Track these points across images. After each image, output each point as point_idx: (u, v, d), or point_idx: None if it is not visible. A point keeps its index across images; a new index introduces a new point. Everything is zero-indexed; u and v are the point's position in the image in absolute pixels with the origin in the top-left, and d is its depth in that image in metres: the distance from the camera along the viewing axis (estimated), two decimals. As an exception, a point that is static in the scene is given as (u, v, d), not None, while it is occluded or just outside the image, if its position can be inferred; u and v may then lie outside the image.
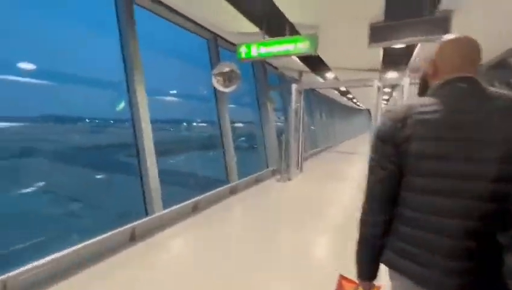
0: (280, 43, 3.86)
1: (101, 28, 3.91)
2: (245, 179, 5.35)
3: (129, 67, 3.49)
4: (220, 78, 5.07)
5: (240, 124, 8.18)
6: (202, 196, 4.01)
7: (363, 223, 0.92)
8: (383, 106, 6.51)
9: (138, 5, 3.66)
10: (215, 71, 4.97)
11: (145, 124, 3.47)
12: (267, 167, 6.63)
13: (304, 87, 6.84)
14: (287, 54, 3.88)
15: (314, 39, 3.63)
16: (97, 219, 3.27)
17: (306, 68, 6.85)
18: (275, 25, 3.92)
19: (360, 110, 26.69)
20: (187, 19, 4.33)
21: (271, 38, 4.02)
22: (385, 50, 5.03)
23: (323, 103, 13.45)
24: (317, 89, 11.22)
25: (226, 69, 5.07)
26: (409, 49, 5.01)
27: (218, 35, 5.04)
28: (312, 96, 11.31)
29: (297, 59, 5.90)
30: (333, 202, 4.73)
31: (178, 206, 3.60)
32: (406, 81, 4.89)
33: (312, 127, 11.57)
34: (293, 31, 4.06)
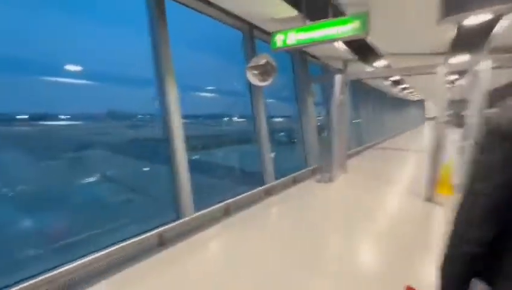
0: (322, 26, 3.33)
1: (138, 26, 3.85)
2: (282, 179, 4.97)
3: (159, 64, 3.37)
4: (256, 72, 4.74)
5: (279, 119, 7.81)
6: (235, 198, 3.76)
7: (460, 239, 0.76)
8: (448, 95, 5.43)
9: (169, -3, 3.49)
10: (250, 64, 4.66)
11: (176, 123, 3.33)
12: (306, 166, 6.14)
13: (350, 78, 6.11)
14: (330, 39, 3.33)
15: (364, 18, 3.02)
16: (150, 207, 3.46)
17: (352, 56, 6.10)
18: (316, 5, 3.40)
19: (413, 101, 23.94)
20: (220, 10, 4.06)
21: (311, 23, 3.51)
22: (457, 27, 4.08)
23: (370, 95, 12.21)
24: (364, 80, 10.16)
25: (262, 62, 4.71)
26: (487, 25, 3.99)
27: (253, 25, 4.68)
28: (358, 87, 10.29)
29: (341, 47, 5.24)
30: (382, 209, 4.08)
31: (209, 209, 3.41)
32: (485, 65, 3.89)
33: (357, 121, 10.59)
34: (337, 12, 3.49)
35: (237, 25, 4.56)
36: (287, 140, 7.29)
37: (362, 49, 5.60)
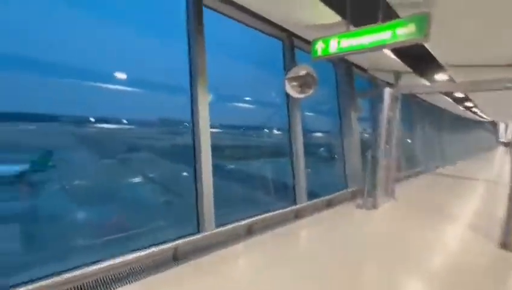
0: (370, 32, 2.93)
1: (178, 34, 3.95)
2: (315, 200, 4.49)
3: (194, 72, 3.34)
4: (295, 83, 4.48)
5: (317, 134, 7.35)
6: (259, 217, 3.44)
7: None
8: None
9: (207, 6, 3.50)
10: (289, 75, 4.42)
11: (204, 131, 3.22)
12: (345, 187, 5.52)
13: (402, 92, 5.41)
14: (380, 46, 2.91)
15: (423, 20, 2.55)
16: (185, 210, 3.45)
17: (405, 68, 5.42)
18: (363, 8, 3.03)
19: (480, 122, 20.80)
20: (259, 18, 3.95)
21: (356, 29, 3.14)
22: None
23: (427, 112, 10.87)
24: (418, 95, 9.08)
25: (302, 73, 4.44)
26: None
27: (292, 34, 4.47)
28: (412, 103, 9.23)
29: (393, 57, 4.68)
30: (437, 251, 3.30)
31: (231, 226, 3.16)
32: None
33: (409, 141, 9.45)
34: (388, 14, 3.05)
35: (276, 33, 4.40)
36: (325, 157, 6.76)
37: (418, 60, 4.92)
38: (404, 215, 4.69)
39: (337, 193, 5.07)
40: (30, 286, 1.89)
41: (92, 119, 3.54)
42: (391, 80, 6.42)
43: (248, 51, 5.24)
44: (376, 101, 7.21)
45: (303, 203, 4.25)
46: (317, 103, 6.43)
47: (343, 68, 5.76)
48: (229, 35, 4.90)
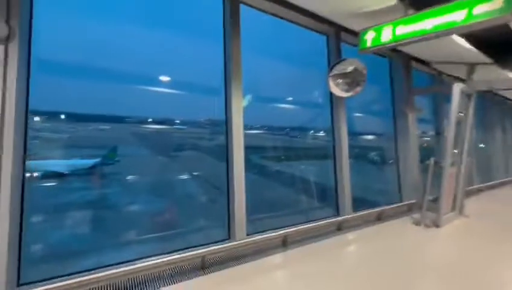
0: (435, 14, 2.39)
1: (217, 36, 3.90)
2: (362, 212, 3.97)
3: (228, 72, 3.23)
4: (340, 81, 4.05)
5: (367, 137, 6.68)
6: (296, 228, 3.13)
7: None
8: None
9: (244, 3, 3.34)
10: (334, 72, 4.01)
11: (237, 132, 3.07)
12: (399, 200, 4.80)
13: (478, 88, 4.45)
14: (448, 30, 2.34)
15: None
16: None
17: (482, 58, 4.45)
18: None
19: None
20: (301, 11, 3.64)
21: (417, 12, 2.60)
22: None
23: (509, 113, 9.00)
24: (499, 92, 7.53)
25: (349, 69, 3.99)
26: None
27: (338, 26, 4.03)
28: (488, 101, 7.72)
29: (465, 43, 3.87)
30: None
31: (263, 236, 2.93)
32: None
33: (481, 146, 7.93)
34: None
35: (321, 27, 4.02)
36: (376, 163, 6.04)
37: (502, 47, 3.98)
38: (476, 237, 3.80)
39: (390, 206, 4.42)
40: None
41: (149, 120, 3.92)
42: (461, 74, 5.38)
43: (288, 49, 4.98)
44: (440, 99, 6.17)
45: (347, 214, 3.79)
46: (368, 102, 5.81)
47: (399, 62, 5.04)
48: (268, 35, 4.72)
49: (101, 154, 3.62)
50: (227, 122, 3.12)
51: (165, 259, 2.28)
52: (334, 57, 4.20)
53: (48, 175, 3.04)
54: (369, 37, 2.96)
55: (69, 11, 2.97)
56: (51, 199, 3.01)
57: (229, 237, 2.94)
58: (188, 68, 4.60)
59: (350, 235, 3.52)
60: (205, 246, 2.56)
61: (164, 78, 4.54)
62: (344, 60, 4.03)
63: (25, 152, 2.02)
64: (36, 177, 2.78)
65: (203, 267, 2.50)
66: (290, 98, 6.28)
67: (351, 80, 4.03)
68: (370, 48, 2.98)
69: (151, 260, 2.28)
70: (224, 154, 3.13)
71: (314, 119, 5.68)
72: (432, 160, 4.25)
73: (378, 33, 2.86)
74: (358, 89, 3.99)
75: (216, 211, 3.47)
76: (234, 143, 3.01)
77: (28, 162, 2.08)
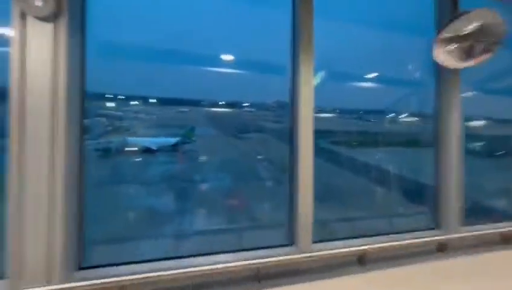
0: None
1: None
2: (478, 228, 2.84)
3: (296, 44, 2.60)
4: (454, 46, 2.93)
5: (479, 123, 5.07)
6: (378, 245, 2.38)
7: None
8: None
9: None
10: (444, 35, 2.90)
11: (305, 117, 2.48)
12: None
13: None
14: None
15: None
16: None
17: None
18: None
19: None
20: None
21: None
22: None
23: None
24: None
25: (469, 27, 2.83)
26: None
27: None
28: None
29: None
30: None
31: (334, 250, 2.32)
32: None
33: None
34: None
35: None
36: (500, 159, 4.45)
37: None
38: None
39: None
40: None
41: (221, 103, 4.03)
42: None
43: (374, 8, 3.95)
44: None
45: (454, 230, 2.76)
46: (488, 75, 4.28)
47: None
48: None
49: (180, 133, 4.02)
50: (293, 105, 2.56)
51: (212, 267, 1.97)
52: (446, 11, 3.03)
53: (141, 150, 3.51)
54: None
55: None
56: (143, 170, 3.57)
57: (291, 242, 2.47)
58: (252, 45, 4.20)
59: (459, 262, 2.54)
60: (263, 252, 2.16)
61: (228, 58, 4.29)
62: (464, 13, 2.85)
63: (82, 133, 1.95)
64: (133, 151, 3.30)
65: (258, 278, 2.12)
66: (373, 74, 5.20)
67: (473, 42, 2.86)
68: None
69: (191, 267, 1.98)
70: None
71: (404, 100, 4.55)
72: None
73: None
74: (487, 55, 2.80)
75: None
76: (300, 128, 2.44)
77: (129, 138, 2.62)
